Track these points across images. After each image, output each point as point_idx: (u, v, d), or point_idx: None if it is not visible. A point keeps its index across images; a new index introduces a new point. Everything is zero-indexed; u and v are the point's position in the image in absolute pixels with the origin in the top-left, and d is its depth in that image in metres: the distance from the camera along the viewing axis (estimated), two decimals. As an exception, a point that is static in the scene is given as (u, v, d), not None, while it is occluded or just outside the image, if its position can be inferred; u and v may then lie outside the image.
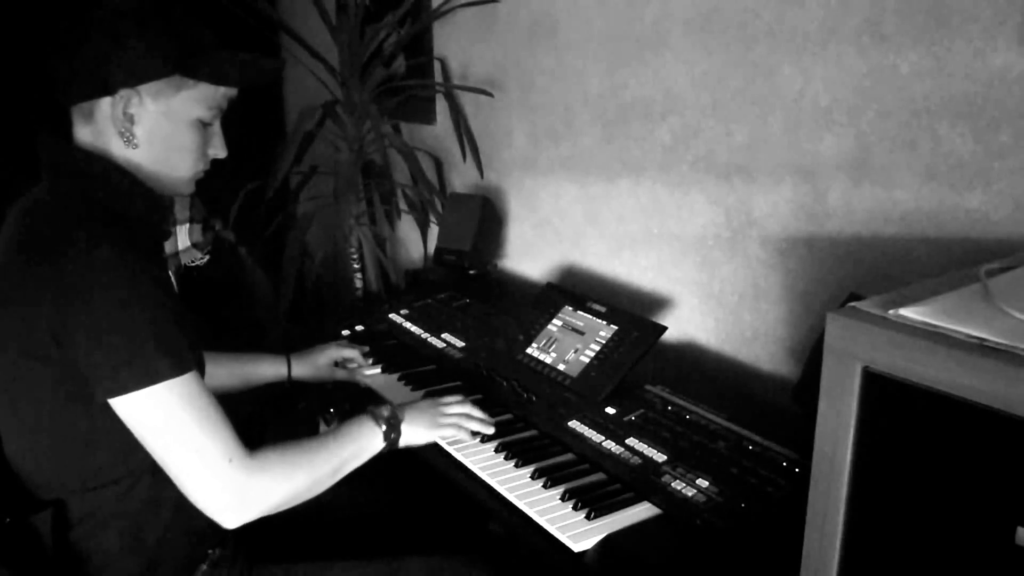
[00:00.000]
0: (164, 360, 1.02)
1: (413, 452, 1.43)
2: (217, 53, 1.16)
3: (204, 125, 1.18)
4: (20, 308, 1.05)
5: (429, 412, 1.34)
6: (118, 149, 1.14)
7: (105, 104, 1.11)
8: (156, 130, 1.14)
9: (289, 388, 1.64)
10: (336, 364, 1.68)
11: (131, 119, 1.12)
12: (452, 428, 1.35)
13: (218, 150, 1.23)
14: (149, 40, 1.10)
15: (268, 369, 1.61)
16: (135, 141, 1.13)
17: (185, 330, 1.09)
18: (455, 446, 1.38)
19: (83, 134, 1.14)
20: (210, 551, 1.20)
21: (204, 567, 1.19)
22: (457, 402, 1.40)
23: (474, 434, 1.38)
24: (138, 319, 1.01)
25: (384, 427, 1.25)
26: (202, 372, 1.20)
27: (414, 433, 1.30)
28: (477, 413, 1.40)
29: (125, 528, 1.13)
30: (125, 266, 1.03)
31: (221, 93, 1.18)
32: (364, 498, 1.44)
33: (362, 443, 1.23)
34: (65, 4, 1.11)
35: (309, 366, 1.65)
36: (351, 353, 1.70)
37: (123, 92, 1.10)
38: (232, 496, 1.07)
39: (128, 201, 1.14)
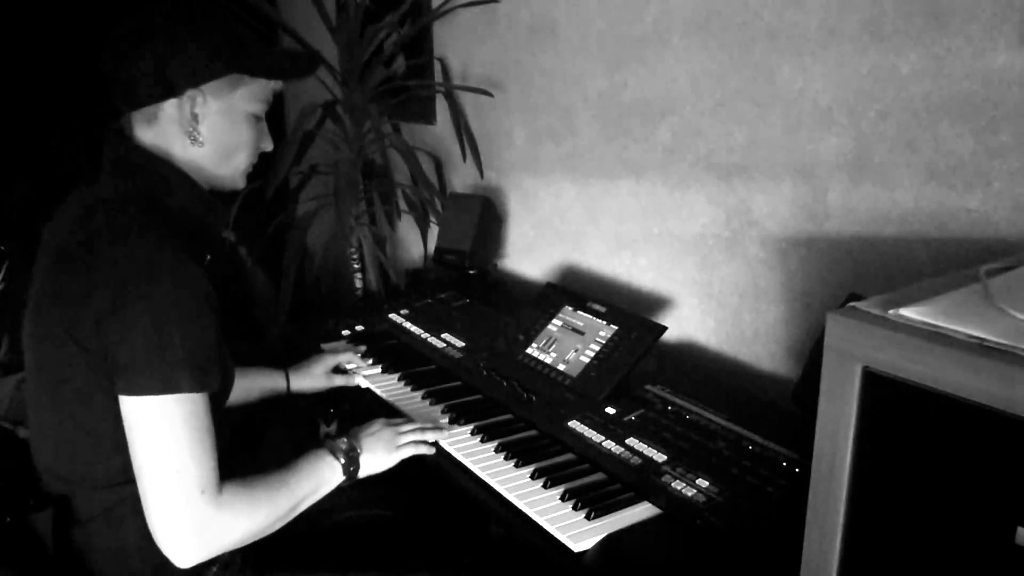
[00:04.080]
0: (187, 373, 1.03)
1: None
2: (264, 49, 1.23)
3: (257, 120, 1.24)
4: (74, 295, 1.07)
5: (385, 438, 1.33)
6: (179, 149, 1.19)
7: (169, 106, 1.16)
8: (218, 127, 1.19)
9: (289, 401, 1.64)
10: (334, 370, 1.68)
11: (196, 118, 1.17)
12: (411, 448, 1.34)
13: (267, 143, 1.29)
14: (205, 41, 1.15)
15: (266, 383, 1.61)
16: (200, 140, 1.18)
17: (223, 348, 1.11)
18: (455, 446, 1.38)
19: (145, 136, 1.18)
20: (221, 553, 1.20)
21: (215, 569, 1.19)
22: (410, 424, 1.39)
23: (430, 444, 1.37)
24: (176, 326, 1.02)
25: (343, 460, 1.25)
26: (231, 385, 1.24)
27: (374, 461, 1.29)
28: (431, 434, 1.39)
29: (142, 525, 1.13)
30: (179, 272, 1.05)
31: (271, 88, 1.24)
32: (370, 507, 1.44)
33: (322, 478, 1.22)
34: (102, 11, 1.13)
35: (307, 378, 1.65)
36: (346, 356, 1.71)
37: (189, 93, 1.15)
38: (193, 528, 1.05)
39: (183, 202, 1.18)
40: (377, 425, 1.35)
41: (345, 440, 1.28)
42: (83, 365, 1.07)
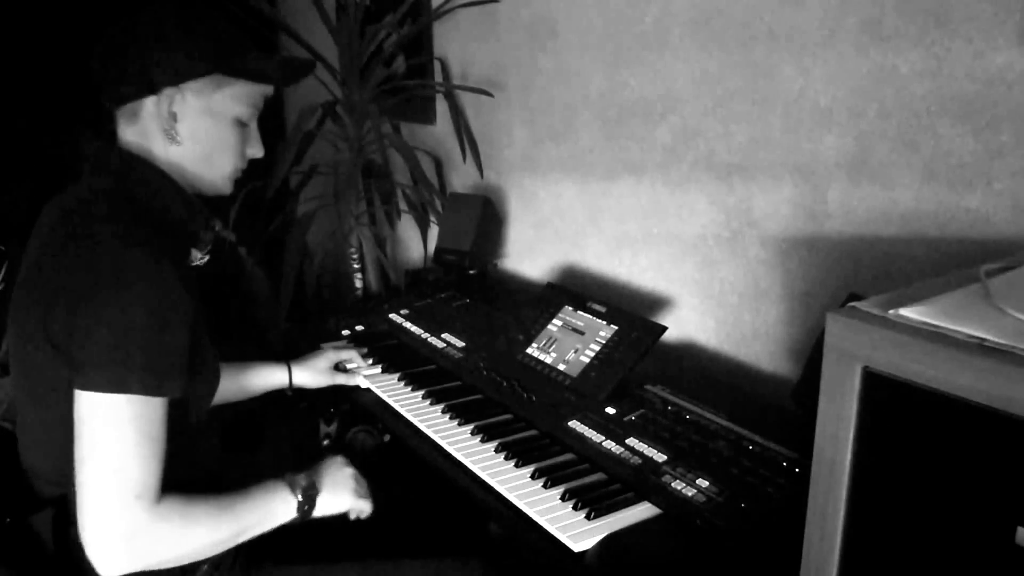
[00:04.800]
0: (141, 376, 1.01)
1: (412, 450, 1.43)
2: (255, 53, 1.22)
3: (242, 124, 1.24)
4: (48, 296, 1.07)
5: (350, 482, 1.28)
6: (161, 149, 1.18)
7: (150, 103, 1.16)
8: (198, 128, 1.19)
9: (291, 395, 1.64)
10: (335, 367, 1.68)
11: (175, 117, 1.16)
12: (364, 502, 1.29)
13: (256, 150, 1.28)
14: (191, 41, 1.15)
15: (269, 378, 1.61)
16: (178, 139, 1.18)
17: (203, 351, 1.10)
18: (455, 446, 1.38)
19: (128, 135, 1.19)
20: None
21: (205, 567, 1.19)
22: (364, 483, 1.32)
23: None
24: (140, 329, 1.01)
25: (300, 497, 1.20)
26: (215, 384, 1.22)
27: (333, 501, 1.24)
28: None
29: None
30: (150, 275, 1.04)
31: (259, 92, 1.24)
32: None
33: (271, 510, 1.17)
34: (103, 12, 1.15)
35: (309, 372, 1.64)
36: (348, 354, 1.70)
37: (167, 91, 1.15)
38: (123, 533, 1.01)
39: (164, 202, 1.17)
40: (333, 466, 1.29)
41: (306, 476, 1.23)
42: (59, 365, 1.06)
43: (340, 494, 1.26)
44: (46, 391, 1.10)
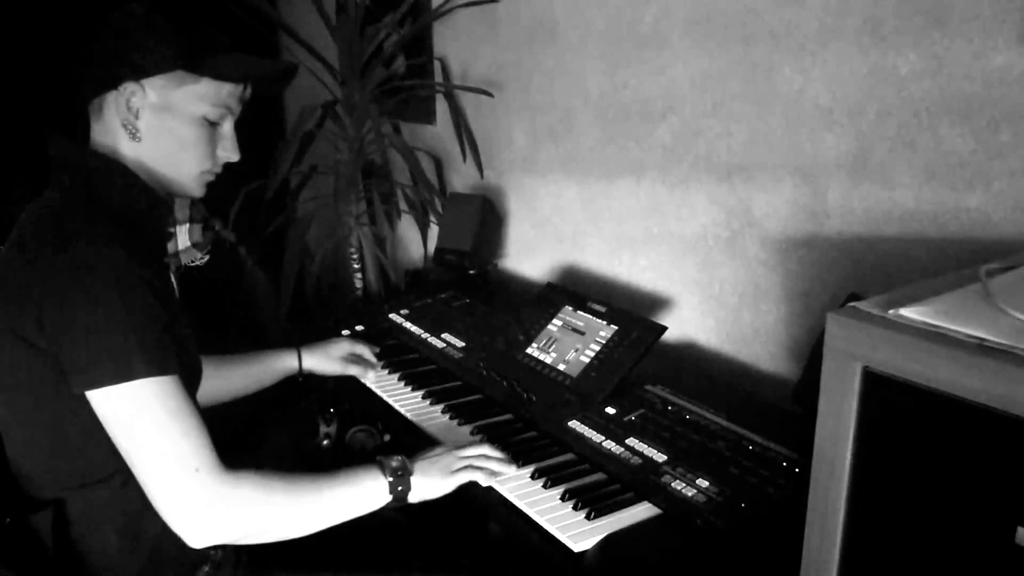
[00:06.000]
0: (140, 357, 1.01)
1: (412, 451, 1.42)
2: (228, 54, 1.18)
3: (212, 125, 1.20)
4: (16, 296, 1.06)
5: (443, 460, 1.25)
6: (125, 145, 1.17)
7: (111, 98, 1.15)
8: (159, 124, 1.16)
9: (301, 381, 1.63)
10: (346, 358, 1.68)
11: (136, 113, 1.15)
12: (467, 472, 1.24)
13: (229, 152, 1.23)
14: (155, 37, 1.13)
15: (279, 364, 1.60)
16: (139, 135, 1.16)
17: (177, 336, 1.10)
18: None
19: (96, 132, 1.18)
20: (212, 552, 1.19)
21: (206, 568, 1.19)
22: (473, 446, 1.31)
23: (493, 474, 1.27)
24: (120, 315, 1.02)
25: (391, 478, 1.18)
26: (196, 380, 1.21)
27: (427, 485, 1.21)
28: (495, 453, 1.30)
29: (122, 527, 1.13)
30: (117, 263, 1.04)
31: (227, 92, 1.19)
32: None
33: (361, 489, 1.16)
34: (82, 11, 1.14)
35: (322, 356, 1.64)
36: (363, 349, 1.71)
37: (127, 85, 1.13)
38: (195, 507, 1.03)
39: (129, 199, 1.16)
40: (439, 449, 1.28)
41: (398, 458, 1.21)
42: (33, 363, 1.06)
43: (433, 475, 1.22)
44: (23, 393, 1.10)
